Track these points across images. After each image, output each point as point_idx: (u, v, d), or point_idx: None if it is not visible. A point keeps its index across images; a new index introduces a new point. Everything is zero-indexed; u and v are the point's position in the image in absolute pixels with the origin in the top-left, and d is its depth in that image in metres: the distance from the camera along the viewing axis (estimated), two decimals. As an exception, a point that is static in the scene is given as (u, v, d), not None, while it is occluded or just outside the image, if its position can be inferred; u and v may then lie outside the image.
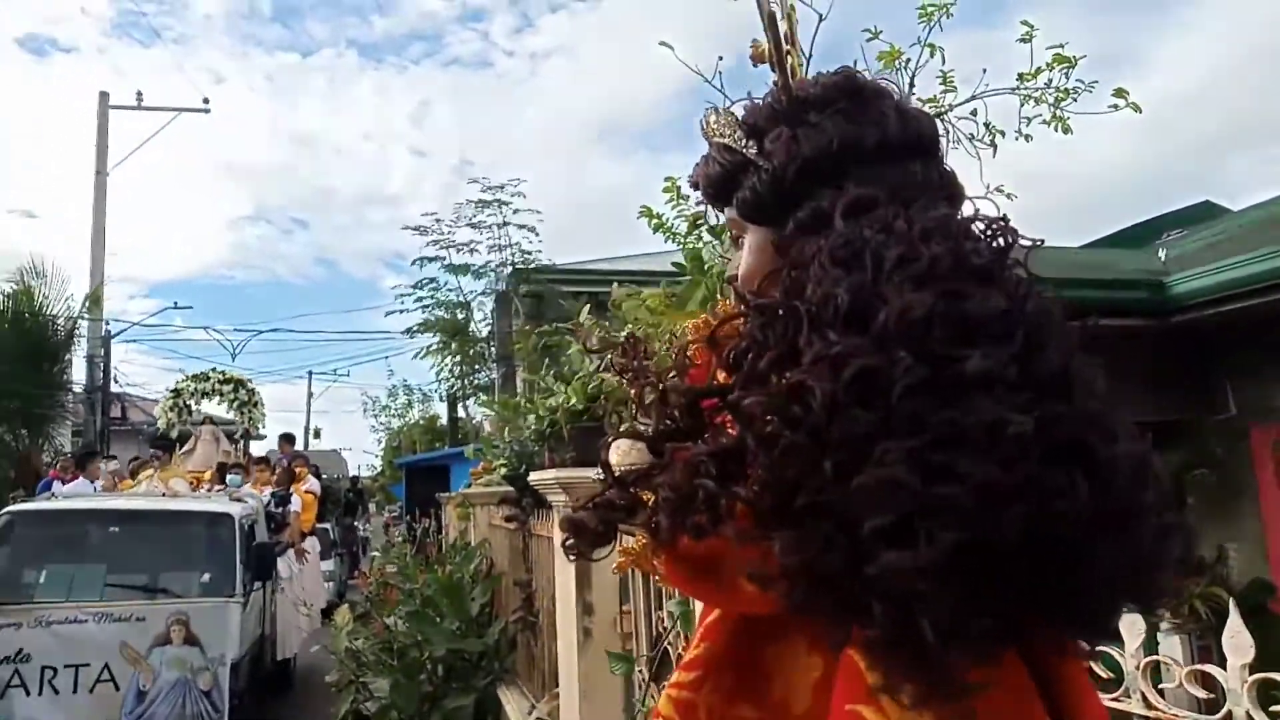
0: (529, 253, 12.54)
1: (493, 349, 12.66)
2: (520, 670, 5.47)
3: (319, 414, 31.99)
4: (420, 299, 13.18)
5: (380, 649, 6.11)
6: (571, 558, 0.90)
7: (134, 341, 26.68)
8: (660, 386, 0.85)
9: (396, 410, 27.10)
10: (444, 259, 12.94)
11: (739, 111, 0.95)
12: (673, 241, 3.33)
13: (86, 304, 15.52)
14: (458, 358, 13.02)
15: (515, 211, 12.75)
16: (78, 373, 15.66)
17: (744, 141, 0.91)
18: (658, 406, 0.82)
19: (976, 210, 0.82)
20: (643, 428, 0.84)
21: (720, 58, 3.25)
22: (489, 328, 12.89)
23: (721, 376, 0.79)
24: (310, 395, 29.52)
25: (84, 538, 6.52)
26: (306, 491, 10.27)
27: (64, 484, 9.79)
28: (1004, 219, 0.79)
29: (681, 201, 3.25)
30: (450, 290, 13.23)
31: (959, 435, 0.62)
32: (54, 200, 54.16)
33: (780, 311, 0.74)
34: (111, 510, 6.90)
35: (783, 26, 0.99)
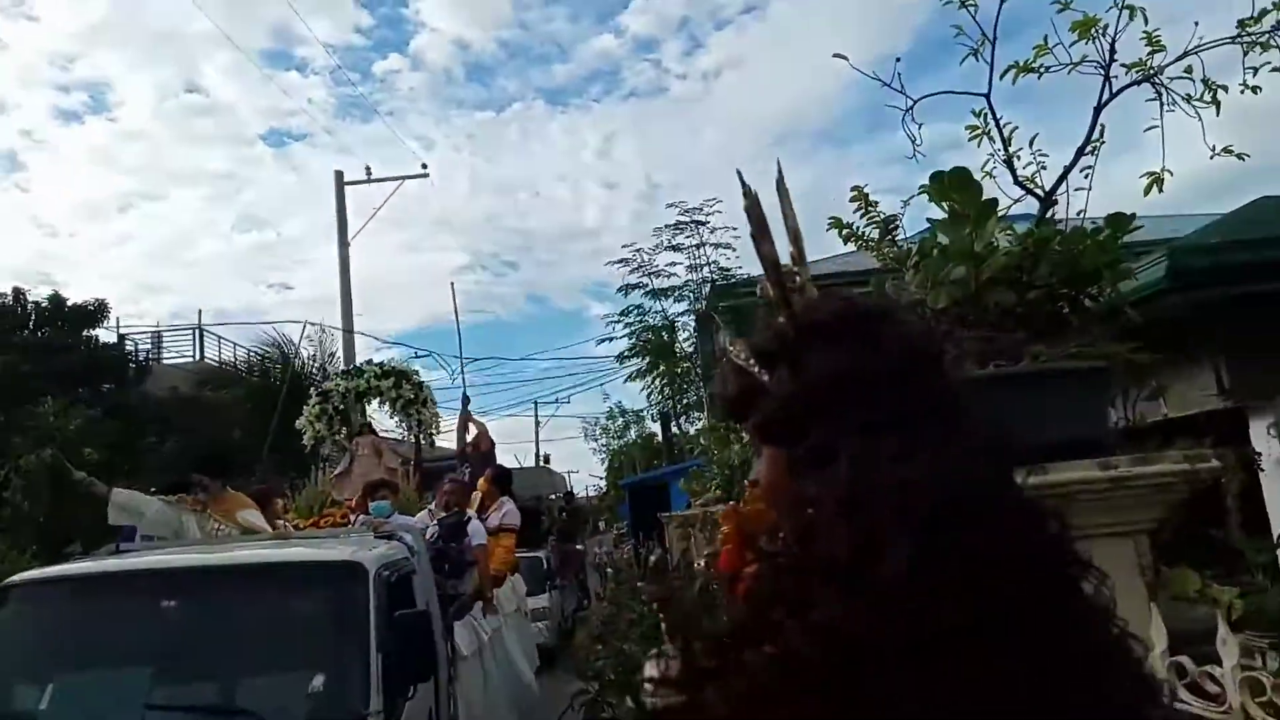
0: (727, 269, 12.64)
1: (698, 368, 12.86)
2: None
3: (545, 442, 33.81)
4: (628, 325, 13.62)
5: (617, 669, 6.31)
6: None
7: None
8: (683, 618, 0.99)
9: (615, 432, 28.13)
10: (645, 285, 13.32)
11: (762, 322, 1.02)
12: (865, 249, 3.26)
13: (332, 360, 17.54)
14: (665, 379, 13.35)
15: (712, 230, 12.92)
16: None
17: (755, 367, 0.96)
18: (680, 643, 0.88)
19: (979, 425, 0.87)
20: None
21: (898, 59, 3.13)
22: (693, 347, 13.12)
23: (750, 559, 0.86)
24: (537, 424, 31.21)
25: (118, 621, 3.94)
26: (501, 525, 7.15)
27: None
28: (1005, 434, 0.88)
29: (870, 209, 3.18)
30: (655, 314, 13.59)
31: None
32: (304, 271, 61.10)
33: (790, 563, 0.85)
34: (159, 572, 4.10)
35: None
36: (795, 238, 1.23)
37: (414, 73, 74.57)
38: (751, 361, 0.97)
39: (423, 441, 11.07)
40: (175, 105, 60.82)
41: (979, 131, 3.01)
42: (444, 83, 76.17)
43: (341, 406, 10.48)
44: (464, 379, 11.68)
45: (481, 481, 7.72)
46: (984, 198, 1.99)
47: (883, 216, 3.13)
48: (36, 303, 17.76)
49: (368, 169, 19.43)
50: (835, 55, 3.53)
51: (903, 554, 0.73)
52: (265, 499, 6.23)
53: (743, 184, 1.16)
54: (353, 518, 6.41)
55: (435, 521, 6.45)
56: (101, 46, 61.68)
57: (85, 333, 18.14)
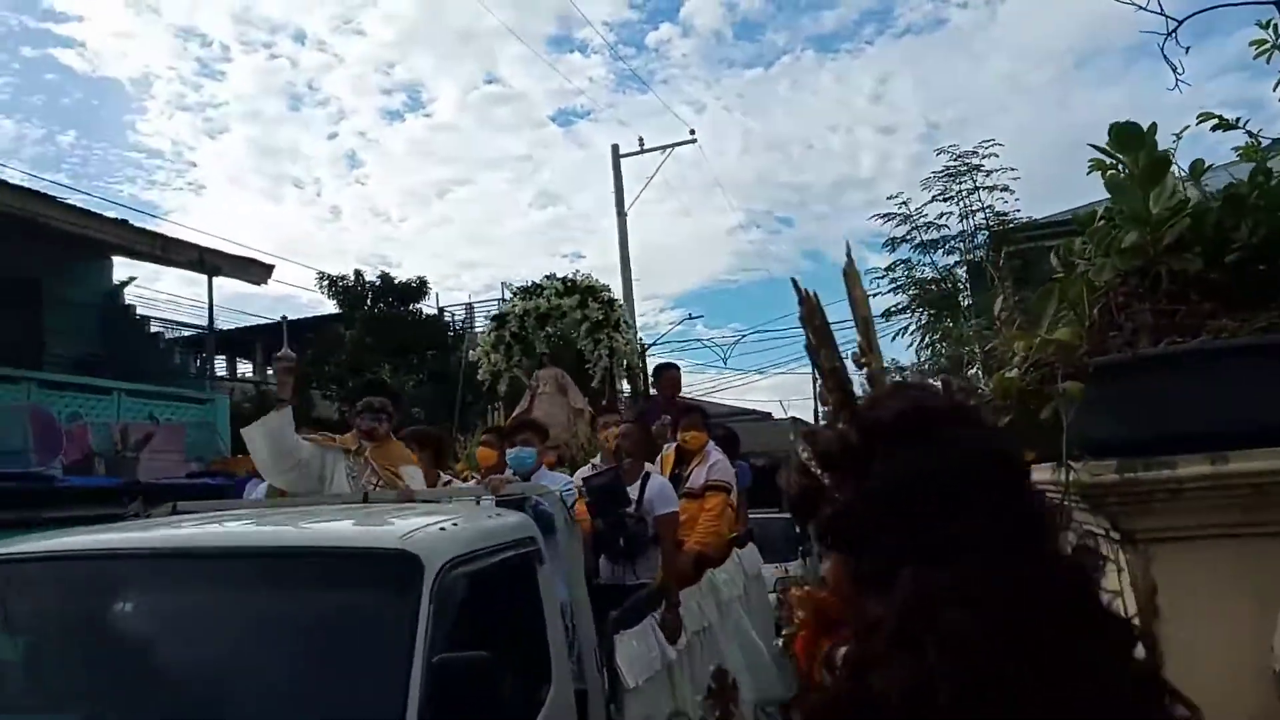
0: (1004, 214, 11.68)
1: (973, 322, 12.07)
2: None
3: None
4: (895, 280, 13.08)
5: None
6: None
7: (667, 348, 30.44)
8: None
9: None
10: (914, 239, 12.69)
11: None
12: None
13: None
14: (938, 334, 12.69)
15: (988, 174, 11.99)
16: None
17: (819, 471, 0.94)
18: None
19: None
20: None
21: None
22: (967, 300, 12.33)
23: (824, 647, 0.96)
24: (815, 380, 31.02)
25: (93, 622, 2.67)
26: (709, 481, 5.31)
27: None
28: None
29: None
30: (924, 266, 12.92)
31: None
32: (593, 240, 64.84)
33: (848, 695, 0.84)
34: (151, 551, 2.75)
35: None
36: (865, 328, 1.22)
37: (684, 39, 75.89)
38: (814, 463, 0.94)
39: (617, 376, 8.60)
40: (478, 96, 67.59)
41: (1266, 46, 2.58)
42: (714, 45, 76.64)
43: (520, 332, 8.67)
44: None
45: (688, 432, 5.56)
46: (1156, 153, 1.77)
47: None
48: (372, 282, 20.70)
49: (640, 140, 20.11)
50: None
51: (951, 700, 0.73)
52: (438, 445, 5.18)
53: (797, 290, 1.17)
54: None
55: (582, 480, 4.79)
56: (414, 50, 69.46)
57: (411, 306, 20.90)
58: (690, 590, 4.67)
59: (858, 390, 1.13)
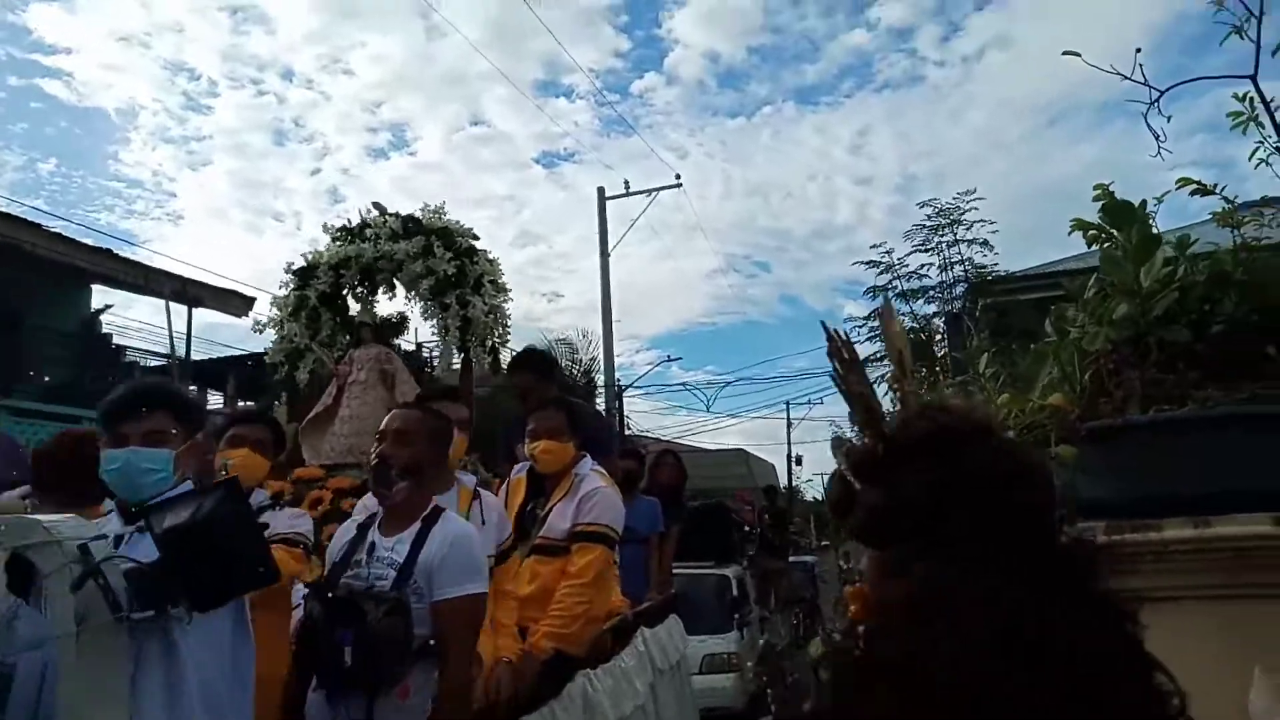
0: (982, 267, 11.95)
1: (949, 372, 12.27)
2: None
3: (798, 444, 33.48)
4: (874, 329, 13.29)
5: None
6: None
7: (643, 390, 30.40)
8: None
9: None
10: (895, 288, 12.93)
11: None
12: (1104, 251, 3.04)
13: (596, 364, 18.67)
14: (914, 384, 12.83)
15: (968, 227, 12.28)
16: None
17: (852, 479, 1.06)
18: None
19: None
20: None
21: (1138, 50, 2.66)
22: (944, 350, 12.54)
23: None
24: (789, 425, 31.05)
25: None
26: (585, 527, 3.26)
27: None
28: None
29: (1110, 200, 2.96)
30: (903, 315, 13.14)
31: None
32: (573, 280, 65.18)
33: (859, 658, 0.97)
34: None
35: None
36: (899, 358, 1.36)
37: (669, 87, 77.13)
38: (849, 473, 1.07)
39: (476, 361, 5.92)
40: (463, 137, 67.92)
41: (1241, 118, 2.70)
42: (697, 93, 78.04)
43: (332, 292, 5.90)
44: None
45: (537, 441, 3.39)
46: (1147, 230, 1.87)
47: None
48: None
49: (626, 183, 20.28)
50: (1065, 53, 3.35)
51: (948, 667, 0.83)
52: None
53: (826, 331, 1.31)
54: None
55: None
56: (401, 91, 70.07)
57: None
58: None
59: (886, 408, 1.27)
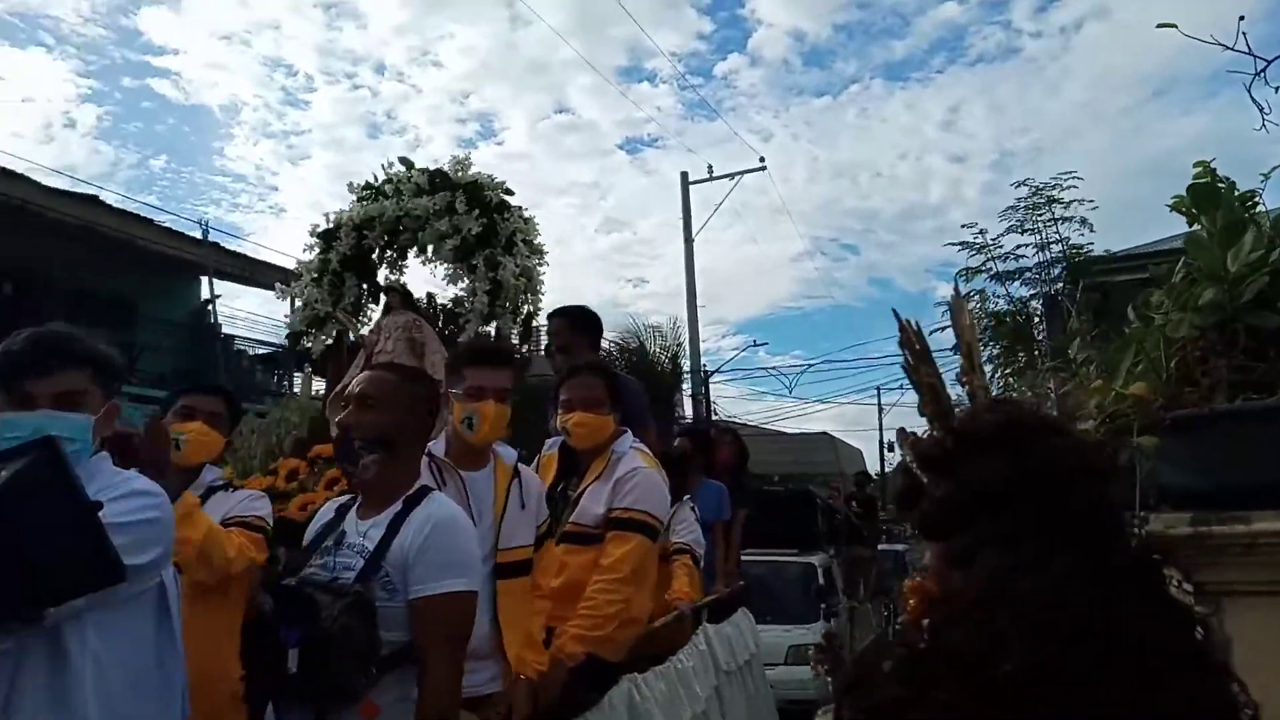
0: (1079, 247, 11.46)
1: (1046, 356, 11.82)
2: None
3: (890, 429, 32.83)
4: (970, 311, 12.91)
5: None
6: None
7: (728, 377, 30.13)
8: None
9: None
10: (989, 270, 12.51)
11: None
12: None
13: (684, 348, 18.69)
14: (1010, 369, 12.44)
15: (1065, 206, 11.80)
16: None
17: (919, 471, 1.07)
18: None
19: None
20: None
21: (1241, 17, 2.47)
22: (1042, 333, 12.10)
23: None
24: (880, 410, 30.47)
25: None
26: (621, 513, 2.83)
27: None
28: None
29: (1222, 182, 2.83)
30: (999, 298, 12.71)
31: None
32: (657, 266, 65.28)
33: (925, 650, 0.95)
34: None
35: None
36: (968, 351, 1.38)
37: (752, 69, 76.43)
38: (915, 465, 1.08)
39: (510, 327, 5.39)
40: (548, 126, 68.77)
41: None
42: (782, 74, 77.00)
43: (355, 254, 5.48)
44: None
45: (571, 414, 3.00)
46: (1234, 212, 1.80)
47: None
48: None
49: (709, 167, 20.18)
50: (1160, 25, 3.22)
51: (1015, 659, 0.83)
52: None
53: (899, 320, 1.34)
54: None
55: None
56: (488, 81, 71.29)
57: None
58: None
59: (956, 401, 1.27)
